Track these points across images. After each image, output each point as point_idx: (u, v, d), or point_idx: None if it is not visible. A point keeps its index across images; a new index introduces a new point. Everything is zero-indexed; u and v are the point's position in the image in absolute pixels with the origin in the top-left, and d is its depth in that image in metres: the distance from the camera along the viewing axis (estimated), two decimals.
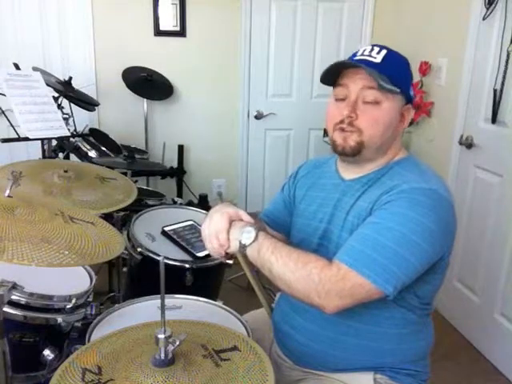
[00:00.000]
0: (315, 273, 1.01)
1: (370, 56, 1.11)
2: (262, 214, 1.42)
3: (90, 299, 1.36)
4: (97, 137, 2.67)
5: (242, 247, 1.08)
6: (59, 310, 1.27)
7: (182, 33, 3.28)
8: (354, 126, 1.11)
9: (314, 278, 1.01)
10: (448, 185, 1.13)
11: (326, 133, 2.71)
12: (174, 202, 2.50)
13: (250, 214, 1.16)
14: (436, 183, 1.08)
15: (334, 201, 1.20)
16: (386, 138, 1.13)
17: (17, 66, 2.34)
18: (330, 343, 1.17)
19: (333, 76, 1.15)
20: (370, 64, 1.09)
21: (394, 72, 1.10)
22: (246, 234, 1.08)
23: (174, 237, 1.69)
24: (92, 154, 2.50)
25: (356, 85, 1.10)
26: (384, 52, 1.12)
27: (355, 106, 1.10)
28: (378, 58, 1.11)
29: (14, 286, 1.02)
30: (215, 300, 1.42)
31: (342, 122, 1.12)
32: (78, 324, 1.31)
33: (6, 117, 2.02)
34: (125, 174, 2.04)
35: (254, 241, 1.07)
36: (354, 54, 1.16)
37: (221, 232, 1.09)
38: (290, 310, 1.25)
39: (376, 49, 1.13)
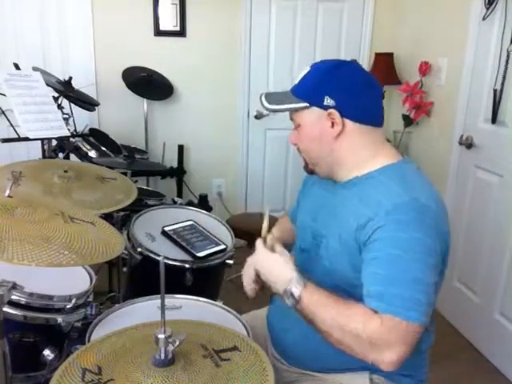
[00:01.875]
0: (359, 333, 1.01)
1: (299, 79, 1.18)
2: (289, 212, 1.51)
3: (90, 299, 1.36)
4: (97, 137, 2.66)
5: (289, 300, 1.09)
6: (59, 310, 1.27)
7: (182, 33, 3.28)
8: (300, 151, 1.23)
9: (358, 336, 1.01)
10: (437, 193, 1.11)
11: None
12: (174, 202, 2.50)
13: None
14: (418, 191, 1.07)
15: (327, 202, 1.22)
16: (321, 149, 1.16)
17: (17, 66, 2.33)
18: (322, 343, 1.16)
19: None
20: (292, 88, 1.19)
21: (300, 89, 1.16)
22: (290, 293, 1.08)
23: (174, 237, 1.69)
24: (92, 154, 2.50)
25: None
26: (304, 72, 1.18)
27: (294, 134, 1.21)
28: (297, 80, 1.18)
29: (14, 286, 1.01)
30: (215, 300, 1.42)
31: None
32: (78, 324, 1.30)
33: (6, 117, 2.02)
34: (125, 174, 2.04)
35: (298, 302, 1.07)
36: None
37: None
38: (282, 309, 1.25)
39: (305, 69, 1.18)
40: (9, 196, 1.14)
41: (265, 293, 1.24)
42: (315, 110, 1.13)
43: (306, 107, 1.14)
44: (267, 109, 1.19)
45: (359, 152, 1.15)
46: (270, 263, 1.13)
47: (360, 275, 1.08)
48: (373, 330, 0.99)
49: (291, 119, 1.20)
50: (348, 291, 1.13)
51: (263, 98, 1.20)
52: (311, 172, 1.24)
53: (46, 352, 1.27)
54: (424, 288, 1.02)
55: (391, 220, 1.03)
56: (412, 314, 0.99)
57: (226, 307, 1.35)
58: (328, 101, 1.11)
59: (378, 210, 1.05)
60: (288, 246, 1.30)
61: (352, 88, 1.13)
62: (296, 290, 1.05)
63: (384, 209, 1.05)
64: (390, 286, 1.01)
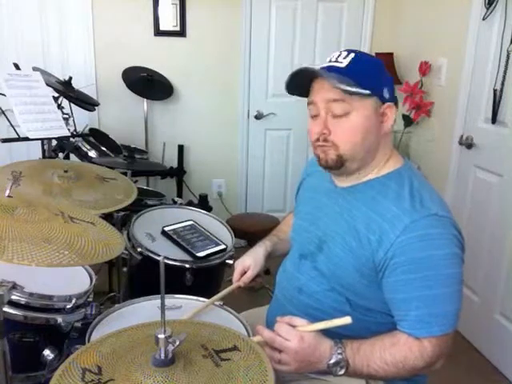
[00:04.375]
0: (417, 365, 1.06)
1: (336, 62, 1.10)
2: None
3: (90, 299, 1.36)
4: (97, 137, 2.66)
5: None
6: (59, 310, 1.27)
7: (181, 33, 3.28)
8: (328, 141, 1.10)
9: (415, 368, 1.06)
10: (441, 197, 1.12)
11: None
12: (174, 202, 2.50)
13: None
14: (433, 204, 1.06)
15: (327, 207, 1.20)
16: (367, 144, 1.10)
17: (17, 66, 2.33)
18: None
19: (301, 87, 1.16)
20: (334, 70, 1.08)
21: (361, 74, 1.07)
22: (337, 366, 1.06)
23: (174, 237, 1.69)
24: (92, 154, 2.50)
25: (322, 100, 1.09)
26: (351, 56, 1.09)
27: (326, 122, 1.10)
28: (344, 63, 1.08)
29: (14, 286, 1.02)
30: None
31: (318, 139, 1.12)
32: (78, 324, 1.30)
33: (6, 117, 2.02)
34: (125, 174, 2.04)
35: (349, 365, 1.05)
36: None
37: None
38: (282, 308, 1.25)
39: (344, 53, 1.11)
40: (9, 196, 1.14)
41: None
42: (374, 100, 1.07)
43: (367, 95, 1.06)
44: (338, 87, 1.04)
45: (384, 153, 1.13)
46: (305, 356, 1.04)
47: (366, 281, 1.09)
48: (428, 355, 1.05)
49: (331, 102, 1.07)
50: (342, 293, 1.14)
51: (322, 71, 1.07)
52: (335, 167, 1.12)
53: (46, 352, 1.26)
54: (458, 297, 1.06)
55: (415, 238, 1.02)
56: (452, 324, 1.05)
57: (226, 307, 1.35)
58: (386, 94, 1.08)
59: (394, 224, 1.04)
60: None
61: (393, 87, 1.11)
62: (340, 357, 1.04)
63: (402, 224, 1.03)
64: (431, 308, 1.03)
